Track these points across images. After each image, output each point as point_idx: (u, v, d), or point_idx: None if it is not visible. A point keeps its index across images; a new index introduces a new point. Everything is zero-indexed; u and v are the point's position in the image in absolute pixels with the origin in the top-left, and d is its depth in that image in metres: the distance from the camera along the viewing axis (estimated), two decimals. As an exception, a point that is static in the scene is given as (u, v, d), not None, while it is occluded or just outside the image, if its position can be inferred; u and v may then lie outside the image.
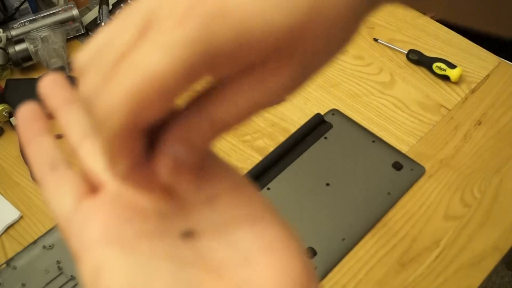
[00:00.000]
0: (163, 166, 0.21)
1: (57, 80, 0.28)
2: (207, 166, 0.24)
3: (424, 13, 1.01)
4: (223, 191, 0.23)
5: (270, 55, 0.19)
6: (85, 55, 0.21)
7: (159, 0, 0.19)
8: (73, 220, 0.23)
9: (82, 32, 0.98)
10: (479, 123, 0.84)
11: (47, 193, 0.25)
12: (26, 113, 0.27)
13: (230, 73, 0.20)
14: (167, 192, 0.23)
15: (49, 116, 0.27)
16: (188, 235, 0.22)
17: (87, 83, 0.20)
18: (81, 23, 0.97)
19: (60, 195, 0.24)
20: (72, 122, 0.26)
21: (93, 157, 0.25)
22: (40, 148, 0.26)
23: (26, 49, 0.90)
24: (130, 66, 0.19)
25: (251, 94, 0.20)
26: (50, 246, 0.72)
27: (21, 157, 0.82)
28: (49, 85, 0.28)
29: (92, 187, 0.24)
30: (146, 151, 0.21)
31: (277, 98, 0.21)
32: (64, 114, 0.27)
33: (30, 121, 0.27)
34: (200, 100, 0.21)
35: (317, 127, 0.83)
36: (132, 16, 0.20)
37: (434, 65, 0.89)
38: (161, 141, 0.21)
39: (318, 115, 0.84)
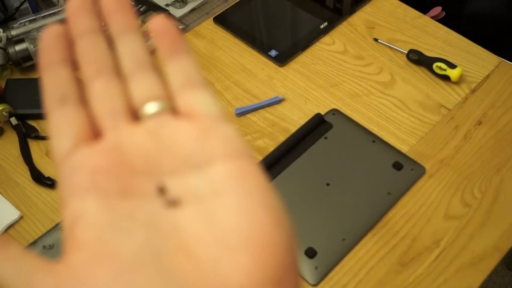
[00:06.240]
0: None
1: (85, 4, 0.26)
2: (208, 128, 0.23)
3: (424, 13, 1.01)
4: (219, 159, 0.22)
5: None
6: None
7: None
8: (67, 162, 0.23)
9: (82, 32, 0.98)
10: (479, 123, 0.84)
11: (51, 128, 0.24)
12: (49, 37, 0.25)
13: None
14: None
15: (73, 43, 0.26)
16: (173, 204, 0.22)
17: None
18: (81, 23, 0.97)
19: (61, 134, 0.24)
20: (90, 54, 0.25)
21: (102, 99, 0.24)
22: (55, 78, 0.25)
23: (26, 49, 0.90)
24: None
25: None
26: (50, 246, 0.72)
27: (21, 157, 0.82)
28: (76, 7, 0.26)
29: (94, 132, 0.24)
30: None
31: None
32: (84, 43, 0.25)
33: (52, 47, 0.25)
34: None
35: (317, 127, 0.83)
36: None
37: (434, 65, 0.89)
38: None
39: (318, 115, 0.84)
